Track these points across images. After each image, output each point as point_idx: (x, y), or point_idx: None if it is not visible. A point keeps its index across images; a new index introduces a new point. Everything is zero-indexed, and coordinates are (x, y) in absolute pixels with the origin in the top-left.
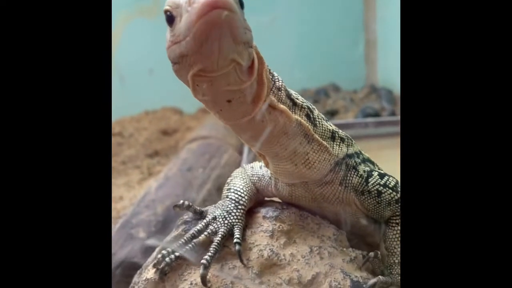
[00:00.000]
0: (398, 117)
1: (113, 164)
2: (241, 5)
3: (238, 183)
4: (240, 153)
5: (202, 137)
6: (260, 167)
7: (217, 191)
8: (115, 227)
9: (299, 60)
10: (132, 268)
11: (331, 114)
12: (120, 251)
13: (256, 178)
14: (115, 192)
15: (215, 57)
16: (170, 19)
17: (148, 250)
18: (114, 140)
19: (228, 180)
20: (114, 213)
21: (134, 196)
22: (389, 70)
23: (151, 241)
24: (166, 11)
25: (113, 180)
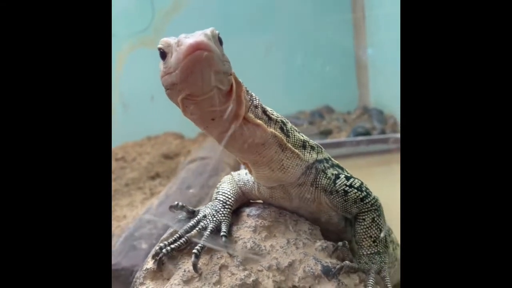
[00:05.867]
0: (388, 135)
1: (117, 186)
2: (220, 42)
3: (226, 187)
4: None
5: (200, 158)
6: (246, 174)
7: None
8: (119, 240)
9: (295, 84)
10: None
11: (325, 134)
12: (123, 261)
13: (242, 183)
14: (119, 211)
15: (199, 85)
16: (163, 55)
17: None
18: (117, 164)
19: (218, 185)
20: (118, 230)
21: (137, 214)
22: (380, 92)
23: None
24: (159, 49)
25: (117, 201)
